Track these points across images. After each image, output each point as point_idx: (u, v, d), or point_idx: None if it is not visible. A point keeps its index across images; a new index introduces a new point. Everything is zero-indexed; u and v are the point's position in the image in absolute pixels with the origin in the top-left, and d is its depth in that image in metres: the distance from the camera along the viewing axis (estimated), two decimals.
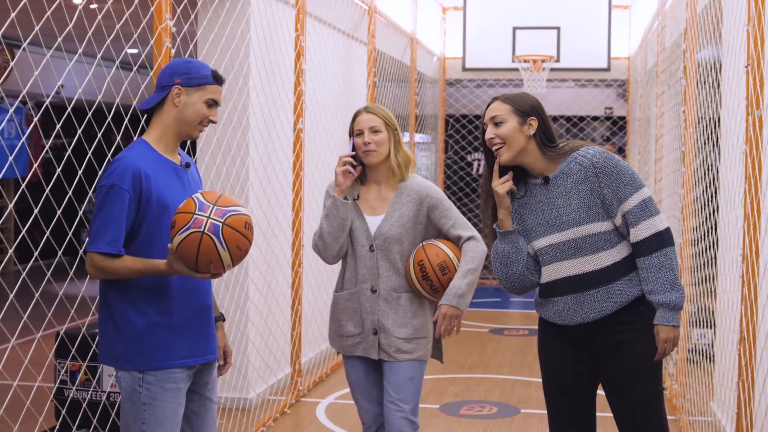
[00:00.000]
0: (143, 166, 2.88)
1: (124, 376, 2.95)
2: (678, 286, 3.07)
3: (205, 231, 2.72)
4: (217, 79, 3.04)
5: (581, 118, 14.70)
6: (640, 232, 3.06)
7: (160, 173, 2.94)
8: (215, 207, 2.76)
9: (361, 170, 3.62)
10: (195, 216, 2.73)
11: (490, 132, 3.16)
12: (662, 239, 3.07)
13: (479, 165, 15.75)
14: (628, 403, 3.16)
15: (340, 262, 3.74)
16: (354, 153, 3.58)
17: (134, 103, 3.44)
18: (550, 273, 3.18)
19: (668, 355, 3.04)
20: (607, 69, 11.03)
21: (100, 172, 2.95)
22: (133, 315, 2.91)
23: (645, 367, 3.13)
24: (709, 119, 5.66)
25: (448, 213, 3.62)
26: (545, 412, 3.38)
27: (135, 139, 3.08)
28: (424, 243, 3.60)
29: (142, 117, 3.23)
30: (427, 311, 3.67)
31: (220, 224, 2.74)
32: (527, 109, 3.15)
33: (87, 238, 2.90)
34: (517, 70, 10.98)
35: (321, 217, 3.64)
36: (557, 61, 10.83)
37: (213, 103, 3.03)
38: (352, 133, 3.62)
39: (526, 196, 3.22)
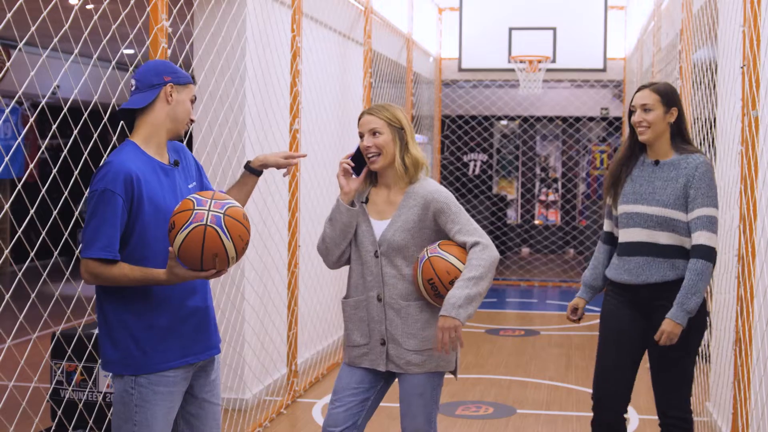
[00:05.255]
0: (134, 169, 2.86)
1: (116, 378, 2.95)
2: (700, 294, 3.59)
3: (208, 223, 2.72)
4: (193, 79, 3.12)
5: (577, 119, 14.72)
6: (701, 238, 3.59)
7: (149, 175, 2.92)
8: (213, 201, 2.78)
9: (368, 172, 3.46)
10: (195, 211, 2.73)
11: (639, 116, 3.73)
12: (712, 255, 3.59)
13: (475, 165, 15.77)
14: (665, 362, 3.70)
15: (347, 267, 3.57)
16: (353, 154, 3.44)
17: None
18: (628, 234, 3.76)
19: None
20: (603, 70, 11.04)
21: (92, 176, 2.93)
22: (125, 319, 2.90)
23: (687, 332, 3.63)
24: (705, 120, 5.67)
25: (454, 217, 3.36)
26: (541, 412, 3.41)
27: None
28: (429, 256, 3.32)
29: (107, 115, 3.18)
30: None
31: (222, 215, 2.75)
32: (672, 101, 3.72)
33: (81, 244, 2.88)
34: (513, 70, 10.99)
35: (326, 219, 3.50)
36: (553, 61, 10.82)
37: (194, 101, 3.09)
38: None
39: (635, 169, 3.80)
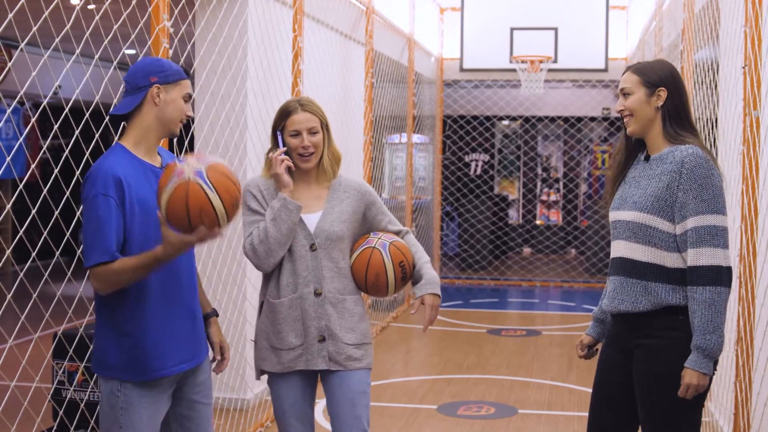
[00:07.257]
0: (121, 172, 2.81)
1: (102, 380, 2.92)
2: (721, 332, 2.84)
3: (191, 177, 2.65)
4: (187, 73, 3.02)
5: (579, 119, 14.71)
6: (701, 257, 2.86)
7: (139, 178, 2.87)
8: (196, 158, 2.72)
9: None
10: (177, 169, 2.67)
11: (619, 104, 3.07)
12: (721, 275, 2.85)
13: (476, 165, 15.77)
14: (642, 415, 3.01)
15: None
16: (285, 149, 3.33)
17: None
18: (613, 249, 3.09)
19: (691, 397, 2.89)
20: (605, 70, 11.04)
21: (82, 183, 2.86)
22: (116, 326, 2.88)
23: (662, 380, 2.92)
24: (707, 120, 5.67)
25: (382, 209, 3.48)
26: (543, 412, 3.39)
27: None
28: (392, 241, 3.38)
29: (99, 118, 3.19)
30: (367, 315, 3.45)
31: (203, 168, 2.68)
32: (656, 80, 3.01)
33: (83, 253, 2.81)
34: (514, 70, 10.99)
35: (257, 220, 3.34)
36: (555, 61, 10.83)
37: (188, 98, 2.99)
38: (281, 129, 3.34)
39: (631, 170, 3.12)
